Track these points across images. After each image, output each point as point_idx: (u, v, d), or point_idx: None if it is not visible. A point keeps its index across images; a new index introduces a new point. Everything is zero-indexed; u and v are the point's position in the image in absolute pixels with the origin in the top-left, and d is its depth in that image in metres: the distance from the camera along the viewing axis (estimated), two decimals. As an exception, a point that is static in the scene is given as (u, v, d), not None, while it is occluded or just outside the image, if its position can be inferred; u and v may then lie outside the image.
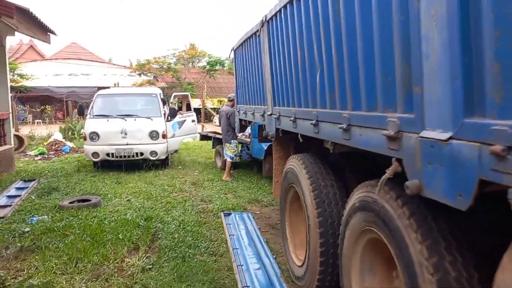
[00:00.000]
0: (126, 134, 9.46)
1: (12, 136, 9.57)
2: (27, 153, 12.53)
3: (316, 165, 3.29)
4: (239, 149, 8.55)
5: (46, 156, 12.15)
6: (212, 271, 3.95)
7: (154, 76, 32.92)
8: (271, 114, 4.02)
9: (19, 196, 7.00)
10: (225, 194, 7.40)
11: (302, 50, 2.89)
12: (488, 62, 1.21)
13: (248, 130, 9.78)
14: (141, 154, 9.50)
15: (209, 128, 18.18)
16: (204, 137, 11.39)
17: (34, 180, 8.33)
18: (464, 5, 1.29)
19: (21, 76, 28.19)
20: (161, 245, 4.63)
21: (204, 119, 16.94)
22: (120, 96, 10.54)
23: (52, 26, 9.52)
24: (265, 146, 8.03)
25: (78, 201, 6.50)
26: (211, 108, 21.08)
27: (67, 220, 5.58)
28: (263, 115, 4.41)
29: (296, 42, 2.99)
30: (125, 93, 10.75)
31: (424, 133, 1.55)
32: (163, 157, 9.77)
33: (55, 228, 5.15)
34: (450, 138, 1.38)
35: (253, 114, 4.95)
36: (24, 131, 15.87)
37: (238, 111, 6.05)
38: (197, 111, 31.34)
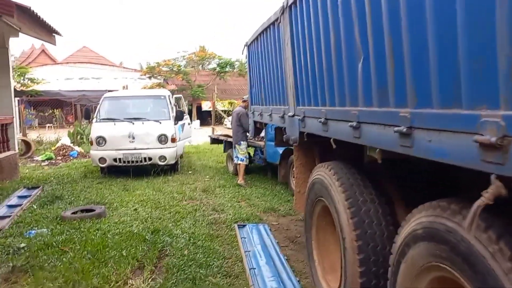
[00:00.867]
0: (133, 138, 9.01)
1: (16, 141, 9.18)
2: (34, 158, 12.18)
3: (351, 176, 2.75)
4: (250, 152, 8.00)
5: (54, 161, 11.77)
6: (227, 297, 3.43)
7: (164, 79, 32.65)
8: (293, 115, 3.49)
9: (20, 205, 6.56)
10: (238, 202, 6.88)
11: (337, 34, 2.35)
12: None
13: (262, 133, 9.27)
14: (150, 159, 9.04)
15: (220, 131, 17.69)
16: (215, 141, 10.88)
17: (38, 187, 7.91)
18: None
19: (31, 80, 28.13)
20: (169, 264, 4.11)
21: (215, 122, 16.47)
22: (127, 99, 10.11)
23: (63, 30, 9.16)
24: (280, 150, 7.49)
25: (82, 211, 6.04)
26: (222, 111, 20.59)
27: (67, 233, 5.10)
28: (282, 117, 3.88)
29: (329, 25, 2.45)
30: (132, 95, 10.31)
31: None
32: (173, 162, 9.30)
33: (54, 244, 4.67)
34: None
35: (270, 115, 4.42)
36: (33, 135, 15.55)
37: (253, 113, 5.52)
38: (207, 113, 31.15)
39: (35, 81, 28.29)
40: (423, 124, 1.58)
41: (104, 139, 9.00)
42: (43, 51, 44.97)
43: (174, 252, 4.47)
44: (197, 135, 21.52)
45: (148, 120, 9.31)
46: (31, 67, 30.67)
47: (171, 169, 9.54)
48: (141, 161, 9.02)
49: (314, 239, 3.30)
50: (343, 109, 2.43)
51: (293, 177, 7.32)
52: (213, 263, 4.13)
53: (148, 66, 33.23)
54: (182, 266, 4.04)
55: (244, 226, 5.33)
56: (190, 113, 32.00)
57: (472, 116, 1.29)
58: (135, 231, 5.16)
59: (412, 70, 1.65)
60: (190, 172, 9.86)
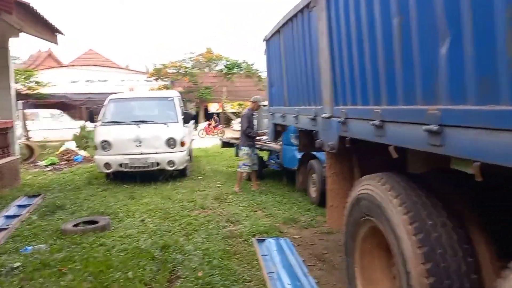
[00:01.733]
0: (140, 142, 8.51)
1: (17, 146, 8.72)
2: (37, 164, 11.73)
3: (413, 192, 2.20)
4: (263, 156, 7.41)
5: (57, 166, 11.31)
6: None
7: (171, 81, 32.25)
8: (329, 117, 2.94)
9: (19, 216, 6.07)
10: (254, 211, 6.33)
11: (404, 8, 1.80)
12: None
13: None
14: (157, 164, 8.52)
15: (229, 133, 17.17)
16: (225, 144, 10.34)
17: (39, 195, 7.42)
18: None
19: (37, 83, 27.81)
20: (182, 289, 3.58)
21: (224, 124, 15.95)
22: (134, 101, 9.62)
23: (70, 33, 8.71)
24: (298, 155, 6.95)
25: (84, 223, 5.53)
26: (231, 113, 20.03)
27: (68, 249, 4.59)
28: (313, 119, 3.33)
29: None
30: (139, 97, 9.81)
31: None
32: (182, 167, 8.78)
33: (51, 263, 4.15)
34: None
35: (296, 117, 3.87)
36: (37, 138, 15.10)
37: (273, 115, 4.97)
38: (215, 115, 30.67)
39: (40, 84, 27.96)
40: None
41: (109, 143, 8.50)
42: (49, 54, 44.91)
43: (186, 273, 3.93)
44: (205, 138, 21.04)
45: (156, 122, 8.80)
46: (37, 70, 30.42)
47: (180, 174, 9.02)
48: (148, 167, 8.51)
49: (358, 265, 2.74)
50: (412, 108, 1.87)
51: (312, 185, 6.80)
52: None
53: (154, 68, 32.90)
54: (197, 292, 3.50)
55: (263, 240, 4.78)
56: (197, 116, 31.61)
57: None
58: (142, 247, 4.64)
59: None
60: (200, 177, 9.33)
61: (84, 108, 18.47)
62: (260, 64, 33.93)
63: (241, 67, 34.55)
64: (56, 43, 9.81)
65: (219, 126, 24.09)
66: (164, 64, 33.05)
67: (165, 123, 8.78)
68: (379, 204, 2.32)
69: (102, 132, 8.68)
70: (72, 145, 12.68)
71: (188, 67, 33.42)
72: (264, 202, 6.82)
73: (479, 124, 1.39)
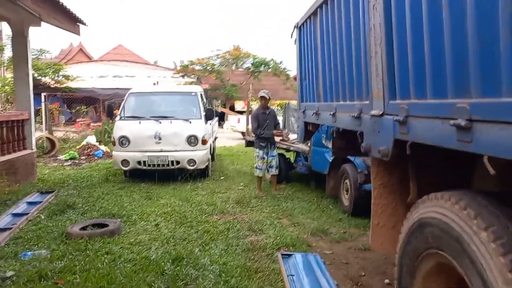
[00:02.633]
0: (160, 139, 8.03)
1: (33, 139, 8.40)
2: (57, 158, 11.47)
3: (509, 221, 1.54)
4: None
5: (77, 161, 11.01)
6: None
7: (197, 78, 32.00)
8: (381, 115, 2.29)
9: (27, 214, 5.67)
10: (279, 219, 5.72)
11: None
12: None
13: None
14: (177, 162, 8.03)
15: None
16: (250, 144, 9.73)
17: (52, 192, 7.04)
18: None
19: (66, 77, 28.02)
20: (192, 316, 3.01)
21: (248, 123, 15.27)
22: (155, 95, 9.15)
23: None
24: (329, 157, 6.29)
25: (93, 225, 5.05)
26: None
27: (70, 257, 4.10)
28: (357, 117, 2.68)
29: None
30: (160, 91, 9.35)
31: None
32: (203, 166, 8.26)
33: (49, 273, 3.67)
34: None
35: (333, 115, 3.23)
36: (60, 133, 14.94)
37: (303, 112, 4.33)
38: (241, 114, 30.16)
39: (69, 78, 28.16)
40: None
41: (127, 139, 8.07)
42: (80, 49, 45.70)
43: (199, 294, 3.36)
44: (230, 136, 20.54)
45: (177, 119, 8.31)
46: (66, 64, 30.70)
47: (201, 174, 8.50)
48: (167, 165, 8.03)
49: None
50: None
51: (345, 191, 6.13)
52: (252, 317, 2.99)
53: (181, 64, 32.73)
54: (210, 322, 2.92)
55: (289, 256, 4.15)
56: (223, 113, 31.23)
57: None
58: (152, 257, 4.10)
59: None
60: (222, 178, 8.79)
61: (107, 102, 18.26)
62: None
63: (268, 65, 34.00)
64: (78, 34, 9.46)
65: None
66: (191, 61, 32.89)
67: (187, 120, 8.28)
68: (458, 235, 1.67)
69: (120, 127, 8.25)
70: (92, 140, 12.38)
71: (215, 64, 33.16)
72: (290, 209, 6.20)
73: None
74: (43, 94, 14.17)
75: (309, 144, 7.02)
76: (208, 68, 32.66)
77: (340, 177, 6.06)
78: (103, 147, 11.84)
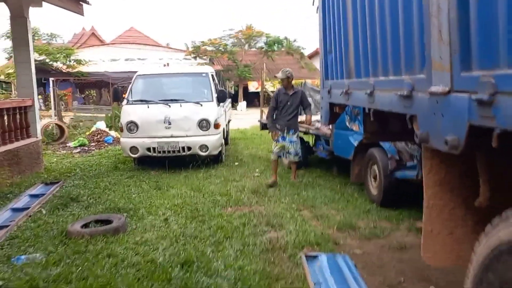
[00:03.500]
0: (170, 123, 7.52)
1: (38, 127, 7.98)
2: (67, 145, 11.11)
3: None
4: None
5: (86, 148, 10.63)
6: None
7: (210, 59, 31.34)
8: (448, 92, 1.69)
9: (27, 209, 5.25)
10: (300, 210, 5.18)
11: None
12: None
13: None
14: (189, 148, 7.53)
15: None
16: (265, 126, 9.15)
17: (57, 183, 6.63)
18: None
19: (78, 62, 27.67)
20: None
21: (263, 104, 14.64)
22: (163, 77, 8.60)
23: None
24: (354, 141, 5.68)
25: (96, 222, 4.61)
26: (272, 92, 18.57)
27: (67, 261, 3.65)
28: (407, 96, 2.08)
29: None
30: (169, 73, 8.79)
31: None
32: (216, 152, 7.74)
33: (41, 283, 3.21)
34: None
35: (370, 94, 2.61)
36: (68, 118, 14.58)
37: (329, 91, 3.72)
38: (254, 95, 29.50)
39: (81, 62, 27.81)
40: None
41: (135, 124, 7.58)
42: (93, 33, 45.27)
43: (212, 308, 2.87)
44: (244, 118, 19.96)
45: (187, 102, 7.76)
46: (77, 49, 30.31)
47: (214, 160, 8.00)
48: (178, 151, 7.54)
49: None
50: None
51: (373, 179, 5.54)
52: None
53: (193, 46, 32.06)
54: None
55: (315, 257, 3.62)
56: (236, 95, 30.60)
57: None
58: (159, 260, 3.62)
59: None
60: (236, 164, 8.27)
61: (118, 86, 17.82)
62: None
63: (282, 44, 33.10)
64: (82, 14, 8.92)
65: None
66: (203, 42, 32.18)
67: (198, 103, 7.73)
68: None
69: (128, 112, 7.76)
70: (102, 125, 11.98)
71: (227, 45, 32.43)
72: (312, 198, 5.65)
73: None
74: (51, 79, 13.77)
75: (330, 126, 6.40)
76: (220, 48, 31.98)
77: (366, 163, 5.46)
78: (113, 133, 11.42)
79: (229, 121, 10.71)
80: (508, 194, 1.86)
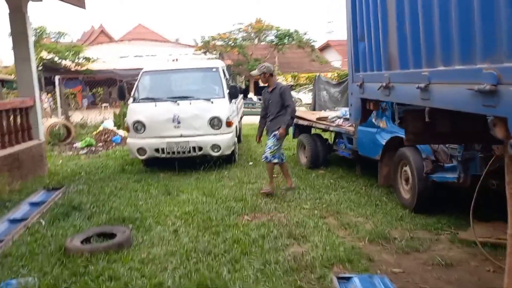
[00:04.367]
0: (179, 122, 7.04)
1: (41, 128, 7.57)
2: (74, 145, 10.72)
3: None
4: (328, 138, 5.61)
5: (93, 148, 10.22)
6: None
7: (219, 54, 30.85)
8: None
9: (26, 220, 4.82)
10: (324, 218, 4.67)
11: None
12: None
13: (342, 112, 6.93)
14: (200, 149, 7.05)
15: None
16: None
17: (61, 188, 6.20)
18: None
19: (87, 59, 27.39)
20: None
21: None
22: (171, 73, 8.12)
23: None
24: (383, 139, 5.13)
25: (98, 235, 4.14)
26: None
27: (64, 286, 3.19)
28: (492, 91, 1.54)
29: None
30: (177, 68, 8.30)
31: None
32: (228, 152, 7.24)
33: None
34: None
35: (424, 89, 2.08)
36: (76, 118, 14.16)
37: (360, 86, 3.18)
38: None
39: (90, 60, 27.52)
40: None
41: (142, 124, 7.11)
42: (102, 31, 45.24)
43: None
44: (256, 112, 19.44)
45: (197, 99, 7.27)
46: (85, 46, 30.04)
47: (227, 160, 7.50)
48: (189, 152, 7.06)
49: None
50: None
51: (404, 182, 4.99)
52: None
53: (202, 41, 31.60)
54: None
55: (348, 279, 3.10)
56: (247, 89, 30.07)
57: None
58: (168, 284, 3.14)
59: None
60: (250, 163, 7.77)
61: (126, 83, 17.42)
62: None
63: (292, 37, 32.44)
64: (84, 7, 8.47)
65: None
66: (212, 37, 31.70)
67: (208, 99, 7.22)
68: None
69: (134, 111, 7.30)
70: (110, 125, 11.57)
71: (237, 39, 31.91)
72: (336, 203, 5.13)
73: None
74: (57, 77, 13.37)
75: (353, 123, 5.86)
76: (230, 43, 31.48)
77: (396, 164, 4.90)
78: (121, 132, 10.99)
79: (241, 118, 10.20)
80: None
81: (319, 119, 7.15)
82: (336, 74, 17.24)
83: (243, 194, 5.65)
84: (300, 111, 10.23)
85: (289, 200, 5.37)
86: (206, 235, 4.22)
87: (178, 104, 7.13)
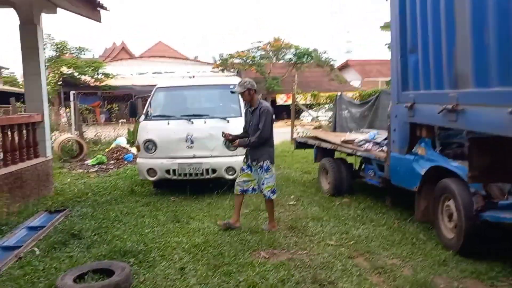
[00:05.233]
0: (192, 142, 6.56)
1: (48, 145, 7.18)
2: (85, 162, 10.34)
3: None
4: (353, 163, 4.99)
5: (104, 166, 9.81)
6: None
7: (237, 71, 30.70)
8: None
9: (20, 248, 4.34)
10: (353, 258, 4.04)
11: None
12: None
13: (371, 135, 6.33)
14: (213, 171, 6.53)
15: (299, 127, 14.75)
16: (301, 145, 8.07)
17: (63, 211, 5.76)
18: None
19: (106, 75, 27.51)
20: None
21: (294, 118, 13.51)
22: (186, 89, 7.66)
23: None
24: (422, 169, 4.49)
25: (94, 272, 3.61)
26: (303, 105, 17.36)
27: None
28: None
29: None
30: (193, 85, 7.85)
31: None
32: (244, 175, 6.67)
33: None
34: None
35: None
36: (90, 134, 13.86)
37: (410, 108, 2.61)
38: (283, 108, 28.43)
39: (109, 76, 27.66)
40: None
41: (154, 143, 6.65)
42: (123, 48, 45.95)
43: None
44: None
45: (213, 117, 6.78)
46: (105, 62, 30.29)
47: (243, 184, 6.93)
48: (201, 174, 6.55)
49: None
50: None
51: (447, 219, 4.29)
52: None
53: (221, 58, 31.53)
54: None
55: None
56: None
57: None
58: None
59: None
60: (268, 188, 7.17)
61: (141, 100, 17.16)
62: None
63: (311, 56, 32.14)
64: (99, 20, 8.16)
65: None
66: (230, 55, 31.65)
67: (224, 118, 6.73)
68: None
69: (146, 129, 6.84)
70: (122, 142, 11.18)
71: (255, 57, 31.81)
72: (365, 239, 4.50)
73: None
74: (71, 92, 13.14)
75: (385, 148, 5.26)
76: (248, 61, 31.37)
77: (438, 198, 4.26)
78: (134, 150, 10.57)
79: None
80: None
81: (344, 142, 6.56)
82: (358, 94, 16.61)
83: (260, 224, 5.08)
84: (322, 132, 9.67)
85: (311, 234, 4.76)
86: (217, 275, 3.64)
87: (192, 123, 6.65)
